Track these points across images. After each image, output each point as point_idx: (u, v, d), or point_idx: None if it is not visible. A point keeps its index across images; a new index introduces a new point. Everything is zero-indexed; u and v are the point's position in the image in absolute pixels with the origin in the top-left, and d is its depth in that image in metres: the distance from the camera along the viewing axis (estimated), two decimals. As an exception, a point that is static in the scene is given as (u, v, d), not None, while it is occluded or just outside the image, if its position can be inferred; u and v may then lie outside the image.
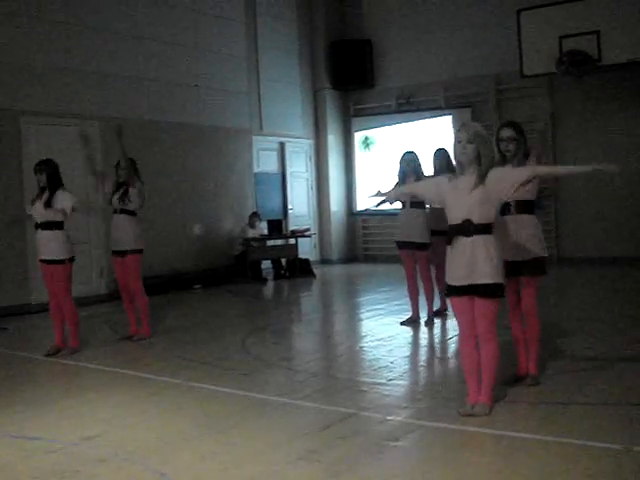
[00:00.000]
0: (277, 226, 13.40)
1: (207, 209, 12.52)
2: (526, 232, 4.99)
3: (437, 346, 6.98)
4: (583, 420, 4.34)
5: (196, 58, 12.34)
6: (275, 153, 14.57)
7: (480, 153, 4.41)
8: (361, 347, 6.94)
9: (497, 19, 13.36)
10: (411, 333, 7.43)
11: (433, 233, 7.63)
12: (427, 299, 7.87)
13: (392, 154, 12.75)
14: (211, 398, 5.25)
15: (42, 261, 6.88)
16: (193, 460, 3.97)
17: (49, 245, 6.78)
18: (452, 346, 6.88)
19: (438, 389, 5.34)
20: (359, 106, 15.58)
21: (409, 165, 7.74)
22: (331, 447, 4.05)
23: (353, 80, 15.25)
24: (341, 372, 5.97)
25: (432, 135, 13.58)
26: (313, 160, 15.46)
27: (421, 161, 7.80)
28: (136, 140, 11.05)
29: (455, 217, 4.48)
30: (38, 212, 6.80)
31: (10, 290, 9.47)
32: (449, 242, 4.52)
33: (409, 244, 7.78)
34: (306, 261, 13.30)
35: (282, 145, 14.67)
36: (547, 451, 3.86)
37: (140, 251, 7.46)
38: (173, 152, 11.86)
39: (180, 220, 11.96)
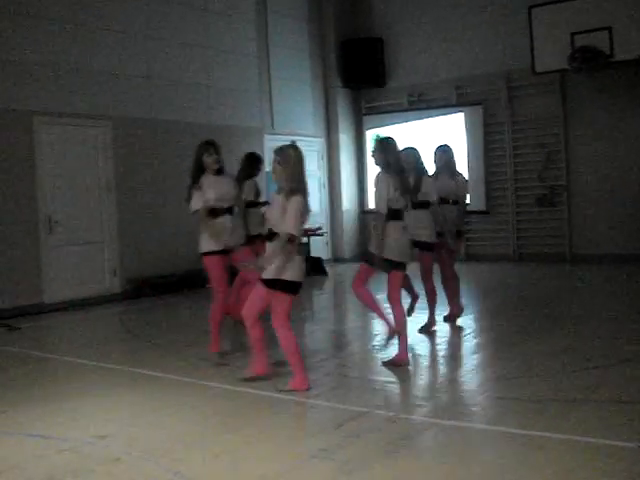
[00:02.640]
0: (289, 225, 13.35)
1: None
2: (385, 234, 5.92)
3: (450, 345, 6.94)
4: (595, 418, 4.33)
5: (207, 57, 12.34)
6: (286, 152, 14.53)
7: (286, 174, 4.99)
8: (373, 345, 6.94)
9: (508, 16, 13.31)
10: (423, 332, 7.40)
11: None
12: (429, 302, 7.45)
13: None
14: (224, 397, 5.26)
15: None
16: (206, 458, 3.98)
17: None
18: (466, 344, 6.87)
19: (451, 387, 5.33)
20: (370, 104, 15.55)
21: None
22: (344, 445, 4.05)
23: (364, 78, 15.22)
24: (354, 371, 5.98)
25: (444, 133, 13.55)
26: (325, 159, 15.45)
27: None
28: (147, 140, 11.13)
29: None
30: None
31: (23, 290, 9.51)
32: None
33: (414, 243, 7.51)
34: (318, 259, 13.29)
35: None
36: (560, 449, 3.85)
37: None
38: (184, 151, 11.80)
39: (192, 219, 11.92)
